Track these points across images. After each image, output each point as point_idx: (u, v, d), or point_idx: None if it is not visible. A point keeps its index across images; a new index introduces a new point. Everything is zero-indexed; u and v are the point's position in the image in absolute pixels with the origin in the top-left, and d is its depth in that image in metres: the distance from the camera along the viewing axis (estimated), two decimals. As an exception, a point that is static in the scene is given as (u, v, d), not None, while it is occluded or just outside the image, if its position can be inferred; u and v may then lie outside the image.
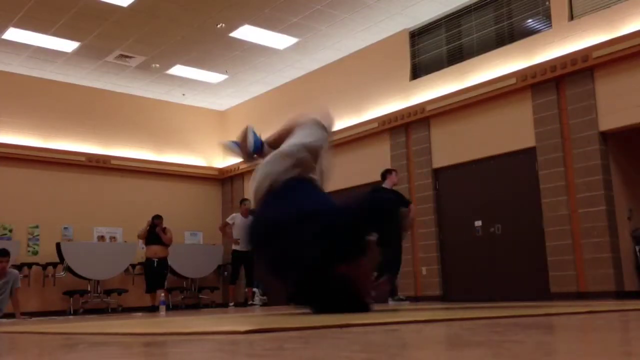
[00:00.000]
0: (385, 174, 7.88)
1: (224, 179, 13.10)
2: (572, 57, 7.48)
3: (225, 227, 9.73)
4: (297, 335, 1.67)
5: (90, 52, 10.19)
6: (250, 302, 9.47)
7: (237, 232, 9.35)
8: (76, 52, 10.16)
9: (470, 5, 8.91)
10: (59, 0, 8.40)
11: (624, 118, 7.08)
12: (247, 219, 9.30)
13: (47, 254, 10.51)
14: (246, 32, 9.60)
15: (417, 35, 9.65)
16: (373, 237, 2.92)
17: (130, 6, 8.60)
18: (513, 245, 8.02)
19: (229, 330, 1.84)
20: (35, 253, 10.65)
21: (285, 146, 3.38)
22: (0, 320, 6.80)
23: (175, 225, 12.31)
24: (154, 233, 9.77)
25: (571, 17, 7.73)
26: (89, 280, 10.60)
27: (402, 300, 7.66)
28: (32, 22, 9.00)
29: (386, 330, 1.82)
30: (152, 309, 9.29)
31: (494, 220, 8.31)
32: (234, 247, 9.57)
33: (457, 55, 9.10)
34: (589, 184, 7.23)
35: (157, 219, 9.86)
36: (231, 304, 9.70)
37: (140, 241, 10.32)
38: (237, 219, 9.54)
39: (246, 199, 9.89)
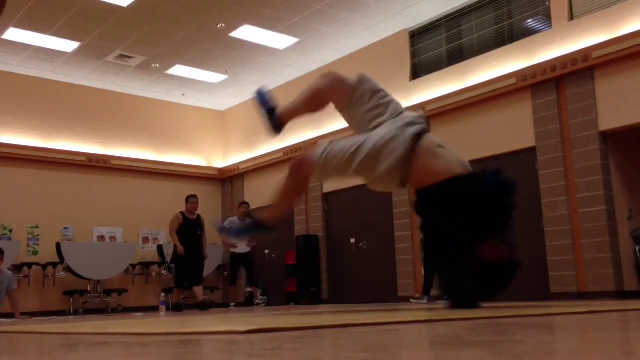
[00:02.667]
0: None
1: (224, 179, 13.10)
2: (572, 57, 7.48)
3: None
4: (297, 335, 1.67)
5: (90, 52, 10.19)
6: (256, 302, 9.47)
7: None
8: (76, 52, 10.16)
9: (470, 5, 8.91)
10: (59, 0, 8.40)
11: (624, 118, 7.08)
12: (245, 221, 9.23)
13: (47, 254, 10.51)
14: (246, 32, 9.60)
15: (417, 35, 9.65)
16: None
17: (130, 6, 8.60)
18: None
19: (229, 330, 1.84)
20: (35, 253, 10.65)
21: None
22: (0, 320, 6.80)
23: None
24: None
25: (571, 17, 7.73)
26: (89, 280, 10.60)
27: (421, 300, 7.50)
28: (32, 22, 9.00)
29: (386, 330, 1.82)
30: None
31: (494, 220, 8.30)
32: (232, 249, 9.58)
33: (457, 55, 9.10)
34: (589, 184, 7.23)
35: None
36: (232, 304, 9.71)
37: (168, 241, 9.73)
38: (234, 223, 9.53)
39: (245, 202, 9.82)
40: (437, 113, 8.98)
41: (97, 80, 11.45)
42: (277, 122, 3.49)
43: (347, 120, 3.47)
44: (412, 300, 7.55)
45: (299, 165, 3.27)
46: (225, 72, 11.28)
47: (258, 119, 13.20)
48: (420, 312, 3.33)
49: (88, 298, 10.64)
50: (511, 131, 8.12)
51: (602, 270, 7.04)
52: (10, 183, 10.57)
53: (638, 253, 7.27)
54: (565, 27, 7.74)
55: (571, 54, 7.51)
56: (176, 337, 1.86)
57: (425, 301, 7.33)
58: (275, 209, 3.37)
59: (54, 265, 10.44)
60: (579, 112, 7.44)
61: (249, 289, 11.84)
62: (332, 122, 10.83)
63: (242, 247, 9.41)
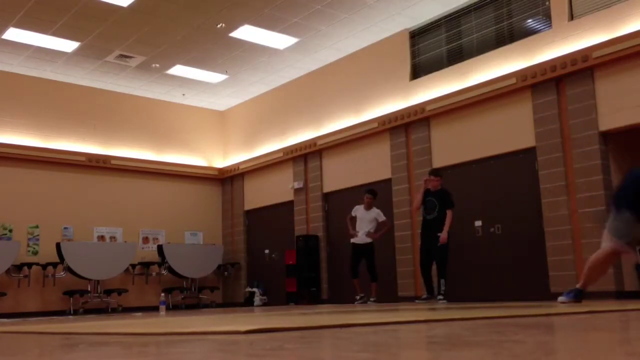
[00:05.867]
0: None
1: (224, 179, 13.10)
2: (572, 57, 7.48)
3: (350, 219, 9.04)
4: (297, 335, 1.67)
5: (90, 52, 10.19)
6: (371, 299, 8.62)
7: (358, 224, 8.82)
8: (76, 52, 10.16)
9: (470, 5, 8.91)
10: (59, 0, 8.40)
11: (624, 118, 7.08)
12: (370, 211, 8.71)
13: (47, 254, 10.50)
14: (246, 32, 9.60)
15: (417, 35, 9.65)
16: None
17: (130, 6, 8.60)
18: (513, 245, 8.02)
19: (229, 330, 1.84)
20: (35, 253, 10.65)
21: None
22: (0, 320, 6.80)
23: (175, 225, 12.34)
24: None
25: (571, 17, 7.73)
26: (89, 280, 10.60)
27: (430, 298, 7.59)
28: (32, 22, 9.00)
29: (386, 330, 1.82)
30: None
31: (494, 220, 8.31)
32: (352, 240, 8.76)
33: (457, 55, 9.10)
34: (589, 184, 7.23)
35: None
36: (357, 297, 8.72)
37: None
38: (359, 211, 8.78)
39: (371, 190, 8.90)
40: (437, 113, 8.98)
41: (97, 80, 11.45)
42: None
43: None
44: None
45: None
46: (225, 72, 11.28)
47: (257, 119, 13.13)
48: (420, 312, 3.33)
49: (88, 298, 10.63)
50: (511, 131, 8.12)
51: (602, 270, 7.02)
52: (10, 183, 10.57)
53: (638, 253, 7.26)
54: (565, 27, 7.74)
55: (571, 54, 7.50)
56: (176, 337, 1.86)
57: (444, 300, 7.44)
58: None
59: (54, 265, 10.43)
60: (579, 112, 7.44)
61: (248, 289, 11.86)
62: (331, 122, 10.84)
63: (362, 237, 8.69)
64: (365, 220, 8.73)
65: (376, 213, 8.74)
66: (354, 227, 8.75)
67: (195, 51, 10.27)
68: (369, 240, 8.71)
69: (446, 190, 7.75)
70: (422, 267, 7.75)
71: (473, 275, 8.34)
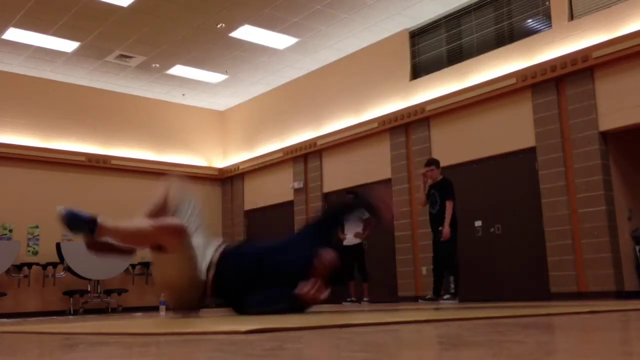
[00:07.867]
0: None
1: (224, 179, 13.10)
2: (572, 57, 7.48)
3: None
4: (297, 335, 1.67)
5: (90, 52, 10.18)
6: (364, 299, 8.60)
7: (346, 228, 8.71)
8: (76, 52, 10.16)
9: (470, 5, 8.91)
10: (59, 0, 8.40)
11: (624, 118, 7.08)
12: None
13: (47, 254, 10.50)
14: (246, 32, 9.61)
15: (417, 35, 9.65)
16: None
17: (130, 6, 8.60)
18: (513, 245, 8.02)
19: (229, 330, 1.84)
20: (35, 253, 10.64)
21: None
22: (0, 320, 6.79)
23: (175, 225, 12.31)
24: None
25: (571, 17, 7.73)
26: (89, 280, 10.59)
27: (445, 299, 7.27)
28: (32, 22, 9.00)
29: (386, 330, 1.82)
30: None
31: (494, 220, 8.31)
32: (344, 243, 8.64)
33: (457, 55, 9.10)
34: (589, 184, 7.23)
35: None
36: (348, 299, 8.68)
37: None
38: None
39: (350, 191, 9.04)
40: (437, 113, 8.98)
41: (97, 80, 11.45)
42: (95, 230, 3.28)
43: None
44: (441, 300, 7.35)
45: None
46: (225, 72, 11.28)
47: (257, 119, 13.12)
48: (421, 312, 3.33)
49: (88, 298, 10.63)
50: (511, 131, 8.12)
51: (602, 270, 7.03)
52: (10, 183, 10.57)
53: (638, 253, 7.27)
54: (565, 27, 7.74)
55: (571, 54, 7.51)
56: (176, 337, 1.86)
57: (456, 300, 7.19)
58: (118, 232, 3.43)
59: (54, 265, 10.43)
60: (579, 112, 7.44)
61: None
62: (331, 122, 10.84)
63: (350, 239, 8.60)
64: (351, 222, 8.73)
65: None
66: (342, 231, 8.71)
67: (195, 51, 10.27)
68: (357, 241, 8.72)
69: (447, 181, 7.37)
70: (433, 264, 7.48)
71: (473, 275, 8.34)
